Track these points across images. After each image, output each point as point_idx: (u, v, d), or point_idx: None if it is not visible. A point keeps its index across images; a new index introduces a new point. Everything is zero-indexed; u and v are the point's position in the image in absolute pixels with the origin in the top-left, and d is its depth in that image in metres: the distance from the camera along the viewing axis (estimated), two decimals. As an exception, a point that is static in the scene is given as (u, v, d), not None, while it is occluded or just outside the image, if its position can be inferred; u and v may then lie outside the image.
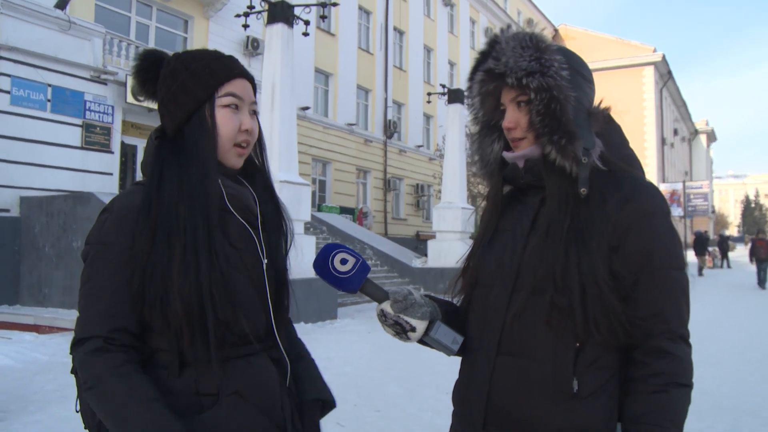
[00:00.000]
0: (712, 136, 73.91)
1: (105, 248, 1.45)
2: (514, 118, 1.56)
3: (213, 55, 1.59)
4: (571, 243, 1.46)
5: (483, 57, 1.59)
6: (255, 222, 1.60)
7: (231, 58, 1.61)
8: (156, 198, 1.47)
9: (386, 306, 1.57)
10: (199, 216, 1.46)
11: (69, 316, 10.86)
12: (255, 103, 1.62)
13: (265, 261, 1.59)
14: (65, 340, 8.89)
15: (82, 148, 14.42)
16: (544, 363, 1.46)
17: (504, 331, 1.52)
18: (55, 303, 11.84)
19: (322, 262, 1.57)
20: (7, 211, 12.56)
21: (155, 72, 1.58)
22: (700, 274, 28.02)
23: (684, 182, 41.35)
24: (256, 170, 1.69)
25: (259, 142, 1.69)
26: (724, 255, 34.91)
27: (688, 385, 1.42)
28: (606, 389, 1.46)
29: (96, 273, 1.44)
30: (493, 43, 1.57)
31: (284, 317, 1.66)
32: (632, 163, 1.60)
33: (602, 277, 1.43)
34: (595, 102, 1.62)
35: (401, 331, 1.57)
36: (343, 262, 1.56)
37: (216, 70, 1.55)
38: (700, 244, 29.74)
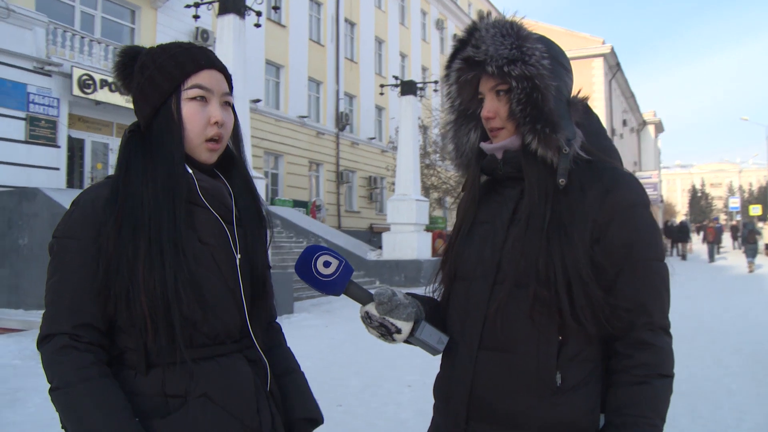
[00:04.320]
0: (659, 127, 75.20)
1: (70, 242, 1.42)
2: (493, 107, 1.53)
3: (183, 46, 1.55)
4: (552, 234, 1.45)
5: (461, 44, 1.56)
6: (229, 216, 1.56)
7: (201, 48, 1.56)
8: (122, 190, 1.44)
9: (371, 308, 1.53)
10: (165, 211, 1.42)
11: (16, 317, 10.52)
12: (228, 94, 1.57)
13: (239, 257, 1.54)
14: (13, 341, 8.62)
15: (26, 142, 13.99)
16: (527, 357, 1.45)
17: (486, 325, 1.50)
18: (1, 302, 11.42)
19: (304, 265, 1.51)
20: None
21: (132, 68, 1.55)
22: (684, 258, 32.12)
23: (634, 172, 41.95)
24: (232, 163, 1.64)
25: (236, 135, 1.63)
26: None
27: (670, 376, 1.43)
28: (589, 382, 1.46)
29: (61, 267, 1.42)
30: (473, 30, 1.53)
31: (262, 317, 1.61)
32: (611, 153, 1.59)
33: (585, 268, 1.42)
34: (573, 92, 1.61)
35: (386, 333, 1.53)
36: (326, 264, 1.51)
37: (182, 62, 1.51)
38: (684, 231, 33.44)
